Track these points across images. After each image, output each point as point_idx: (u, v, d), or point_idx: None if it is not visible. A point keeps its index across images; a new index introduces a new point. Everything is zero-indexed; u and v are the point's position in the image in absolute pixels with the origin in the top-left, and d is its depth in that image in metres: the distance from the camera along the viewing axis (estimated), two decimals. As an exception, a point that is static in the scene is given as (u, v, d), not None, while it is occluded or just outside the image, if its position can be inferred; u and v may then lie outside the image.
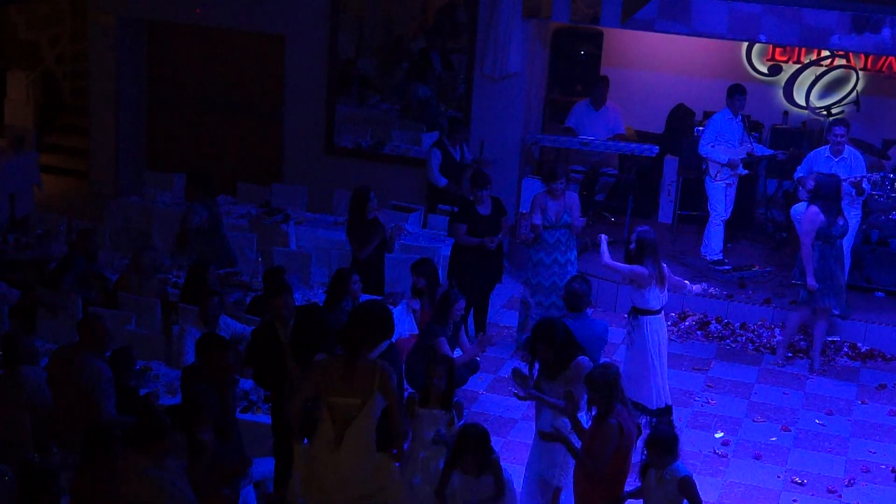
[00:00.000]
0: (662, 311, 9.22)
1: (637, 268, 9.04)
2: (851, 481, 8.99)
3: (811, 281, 10.50)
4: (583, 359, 7.44)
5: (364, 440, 7.00)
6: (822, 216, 10.40)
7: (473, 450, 6.88)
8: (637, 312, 9.14)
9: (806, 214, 10.58)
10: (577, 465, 7.04)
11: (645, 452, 6.76)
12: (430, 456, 7.30)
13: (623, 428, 6.81)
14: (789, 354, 11.12)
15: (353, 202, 10.55)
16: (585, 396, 7.02)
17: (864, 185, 11.20)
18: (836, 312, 10.86)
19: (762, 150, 12.62)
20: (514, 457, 8.76)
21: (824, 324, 10.81)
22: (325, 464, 7.00)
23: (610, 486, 6.94)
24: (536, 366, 7.61)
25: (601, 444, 6.80)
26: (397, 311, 9.26)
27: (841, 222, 10.48)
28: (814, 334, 10.91)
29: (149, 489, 6.53)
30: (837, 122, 11.60)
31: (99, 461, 6.62)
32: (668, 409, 9.28)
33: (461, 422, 7.39)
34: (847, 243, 11.42)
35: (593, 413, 6.94)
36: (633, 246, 9.09)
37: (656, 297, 9.10)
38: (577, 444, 7.01)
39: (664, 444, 6.66)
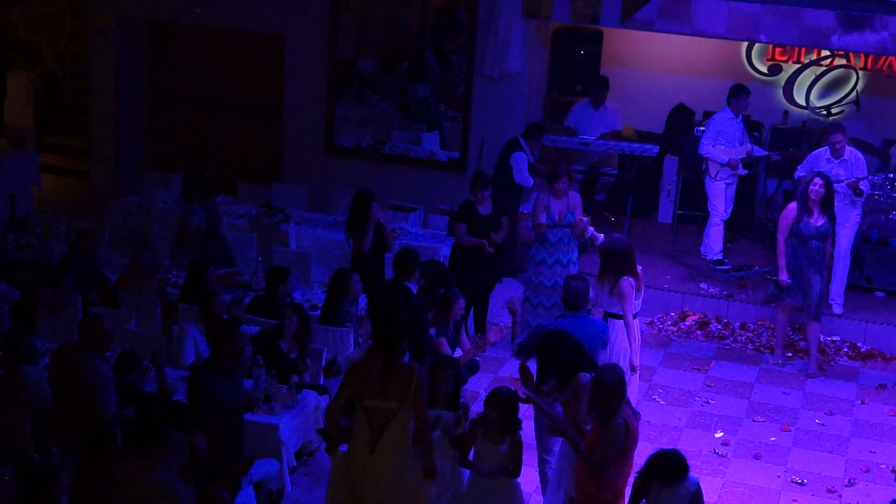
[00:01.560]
0: (638, 317, 9.06)
1: (625, 289, 8.78)
2: (851, 481, 8.99)
3: (782, 276, 10.55)
4: (584, 375, 7.41)
5: (400, 446, 6.93)
6: (796, 213, 10.44)
7: (500, 406, 6.96)
8: (609, 316, 8.94)
9: (784, 209, 10.67)
10: (578, 465, 7.03)
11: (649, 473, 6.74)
12: (437, 456, 7.29)
13: (630, 428, 6.81)
14: (789, 354, 11.12)
15: (354, 203, 10.53)
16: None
17: (861, 187, 11.16)
18: (801, 309, 10.69)
19: (759, 151, 12.63)
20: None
21: (814, 325, 10.75)
22: (361, 468, 6.95)
23: (613, 487, 6.93)
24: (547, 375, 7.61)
25: (607, 444, 6.78)
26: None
27: (819, 223, 10.38)
28: (808, 338, 10.89)
29: (155, 493, 6.52)
30: (833, 128, 11.40)
31: (98, 464, 6.62)
32: None
33: (467, 422, 7.38)
34: (847, 243, 11.42)
35: (594, 415, 6.93)
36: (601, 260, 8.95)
37: (633, 305, 8.93)
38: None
39: (675, 467, 6.66)
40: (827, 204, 10.43)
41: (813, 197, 10.38)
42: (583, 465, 6.98)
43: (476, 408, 9.71)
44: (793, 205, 10.58)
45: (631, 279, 8.86)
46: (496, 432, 7.04)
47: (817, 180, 10.41)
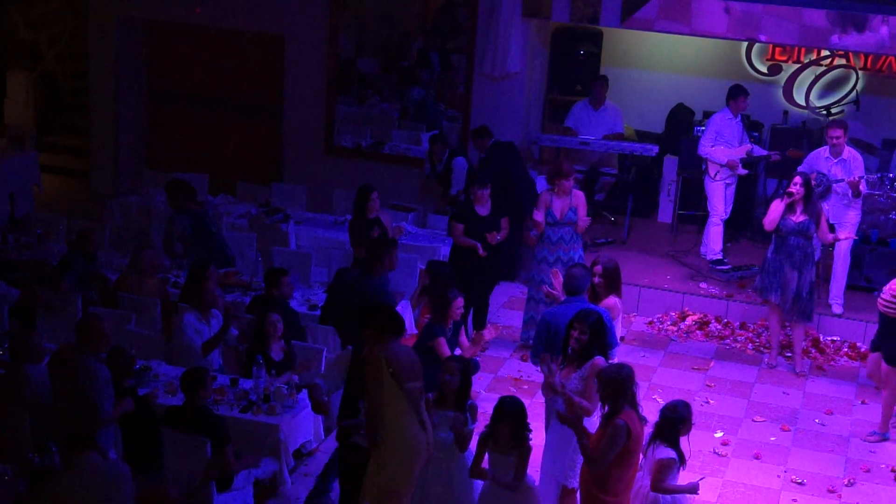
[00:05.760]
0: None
1: (611, 300, 8.69)
2: (851, 481, 8.99)
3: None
4: (599, 358, 7.44)
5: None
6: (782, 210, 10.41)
7: (509, 419, 6.92)
8: None
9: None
10: (583, 466, 7.03)
11: None
12: (444, 457, 7.30)
13: (631, 430, 6.79)
14: (788, 354, 11.12)
15: (355, 201, 10.60)
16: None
17: (860, 187, 11.14)
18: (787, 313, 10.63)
19: (759, 151, 12.62)
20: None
21: (800, 325, 10.75)
22: (417, 444, 7.12)
23: (616, 489, 6.92)
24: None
25: (606, 443, 6.78)
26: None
27: (800, 220, 10.31)
28: (792, 336, 10.90)
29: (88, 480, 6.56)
30: (834, 123, 11.49)
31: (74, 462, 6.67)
32: None
33: (474, 424, 7.37)
34: (846, 244, 11.39)
35: (605, 410, 6.94)
36: (598, 280, 8.67)
37: (619, 328, 8.81)
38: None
39: None
40: (808, 201, 10.35)
41: (795, 196, 10.36)
42: (587, 466, 6.97)
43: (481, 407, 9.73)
44: (777, 200, 10.59)
45: (616, 300, 8.73)
46: (505, 444, 7.00)
47: (797, 179, 10.38)
